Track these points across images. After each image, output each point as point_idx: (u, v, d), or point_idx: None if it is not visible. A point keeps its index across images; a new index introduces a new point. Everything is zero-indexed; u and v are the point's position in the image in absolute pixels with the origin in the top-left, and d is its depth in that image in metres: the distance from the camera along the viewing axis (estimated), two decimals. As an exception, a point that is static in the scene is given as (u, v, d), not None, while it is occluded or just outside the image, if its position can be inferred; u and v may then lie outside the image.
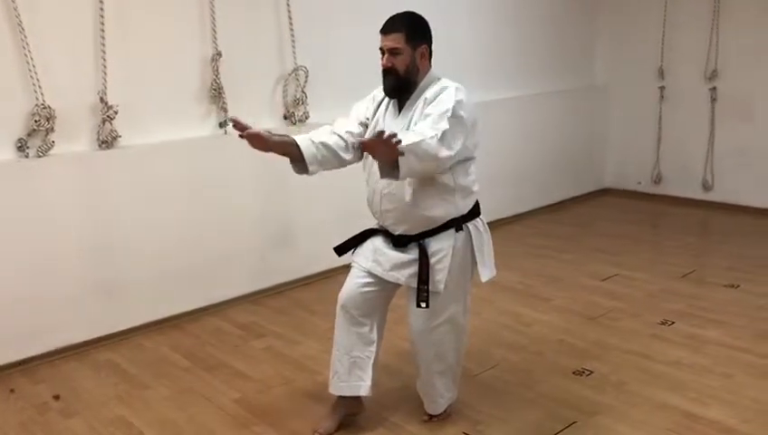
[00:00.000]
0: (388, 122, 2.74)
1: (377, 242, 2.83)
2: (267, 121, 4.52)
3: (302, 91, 4.60)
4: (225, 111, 4.25)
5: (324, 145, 2.75)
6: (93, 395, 3.32)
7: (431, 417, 2.97)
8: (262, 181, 4.46)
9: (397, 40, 2.63)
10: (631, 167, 7.01)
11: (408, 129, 2.63)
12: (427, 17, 2.72)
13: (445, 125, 2.50)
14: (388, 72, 2.67)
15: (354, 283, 2.82)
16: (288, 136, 2.76)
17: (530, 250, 5.39)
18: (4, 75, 3.46)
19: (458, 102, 2.56)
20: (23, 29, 3.45)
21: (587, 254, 5.25)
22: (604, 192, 7.19)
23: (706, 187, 6.47)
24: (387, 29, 2.66)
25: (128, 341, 3.91)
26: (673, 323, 3.93)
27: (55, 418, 3.13)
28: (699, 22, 6.22)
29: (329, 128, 2.85)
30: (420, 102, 2.67)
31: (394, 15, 2.69)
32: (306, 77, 4.59)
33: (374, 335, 2.85)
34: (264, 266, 4.54)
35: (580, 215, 6.48)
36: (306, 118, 4.62)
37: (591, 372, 3.38)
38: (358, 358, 2.84)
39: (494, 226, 6.05)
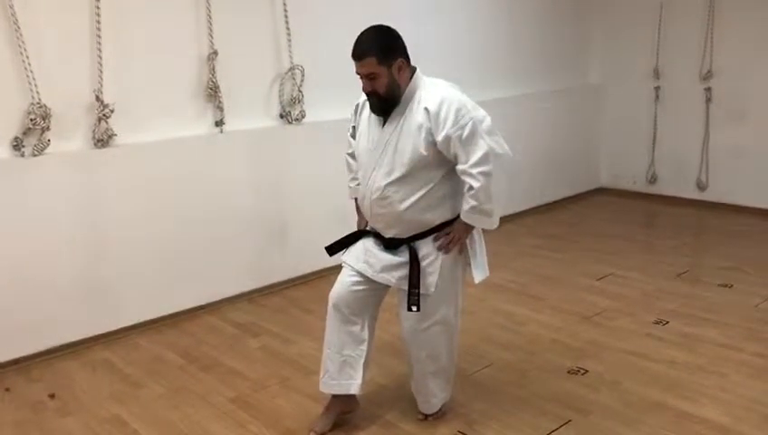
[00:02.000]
0: (374, 131, 2.73)
1: (367, 243, 2.82)
2: (263, 121, 4.52)
3: (299, 91, 4.60)
4: (222, 109, 4.25)
5: None
6: (89, 394, 3.32)
7: (426, 416, 2.98)
8: (257, 180, 4.47)
9: (370, 65, 2.57)
10: (626, 166, 7.02)
11: (399, 136, 2.63)
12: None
13: (480, 151, 2.55)
14: (370, 96, 2.66)
15: (345, 281, 2.83)
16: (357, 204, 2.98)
17: (524, 249, 5.40)
18: (0, 74, 3.45)
19: (469, 109, 2.59)
20: (18, 27, 3.44)
21: (581, 253, 5.27)
22: (599, 191, 7.20)
23: (701, 186, 6.49)
24: (357, 55, 2.59)
25: (123, 340, 3.91)
26: (667, 322, 3.94)
27: (51, 417, 3.13)
28: (694, 22, 6.24)
29: (350, 154, 2.98)
30: (412, 109, 2.62)
31: (361, 37, 2.60)
32: (302, 76, 4.59)
33: (365, 334, 2.86)
34: (260, 265, 4.55)
35: (575, 214, 6.49)
36: (302, 117, 4.63)
37: (586, 371, 3.39)
38: (349, 357, 2.84)
39: (489, 225, 6.04)
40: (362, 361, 2.85)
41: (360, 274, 2.79)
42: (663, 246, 5.44)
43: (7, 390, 3.38)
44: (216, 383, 3.39)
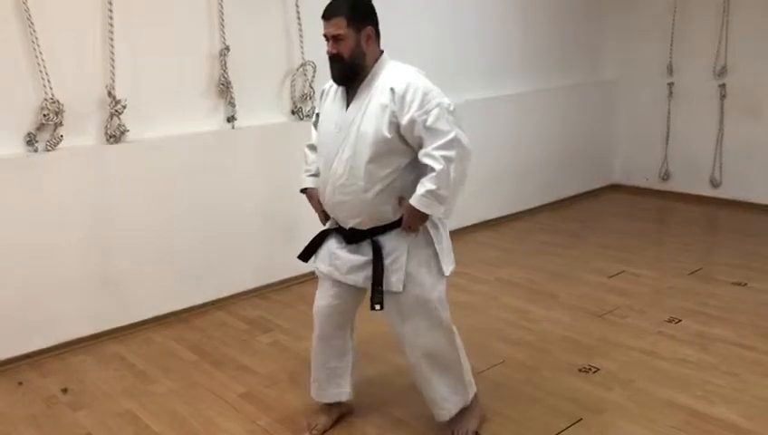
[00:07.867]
0: (337, 112, 2.63)
1: (331, 245, 2.75)
2: (275, 117, 4.53)
3: (310, 87, 4.60)
4: (233, 105, 4.26)
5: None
6: (101, 388, 3.35)
7: (452, 432, 2.82)
8: (269, 176, 4.47)
9: (338, 25, 2.49)
10: (639, 163, 6.98)
11: (363, 117, 2.53)
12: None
13: (445, 136, 2.43)
14: (333, 59, 2.57)
15: (324, 295, 2.79)
16: (308, 189, 2.89)
17: (536, 247, 5.38)
18: (14, 70, 3.47)
19: (436, 95, 2.48)
20: (32, 23, 3.46)
21: (593, 250, 5.24)
22: (611, 188, 7.16)
23: (714, 183, 6.44)
24: (328, 14, 2.52)
25: (135, 334, 3.93)
26: (680, 320, 3.92)
27: (63, 411, 3.15)
28: (709, 17, 6.18)
29: (309, 145, 2.94)
30: (377, 90, 2.53)
31: None
32: (314, 72, 4.59)
33: (348, 344, 2.87)
34: (271, 261, 4.55)
35: (587, 211, 6.46)
36: (313, 113, 4.61)
37: (598, 370, 3.37)
38: (336, 367, 2.86)
39: (500, 222, 6.05)
40: (349, 369, 2.88)
41: (337, 283, 2.74)
42: (676, 244, 5.40)
43: (20, 384, 3.41)
44: (227, 379, 3.40)
